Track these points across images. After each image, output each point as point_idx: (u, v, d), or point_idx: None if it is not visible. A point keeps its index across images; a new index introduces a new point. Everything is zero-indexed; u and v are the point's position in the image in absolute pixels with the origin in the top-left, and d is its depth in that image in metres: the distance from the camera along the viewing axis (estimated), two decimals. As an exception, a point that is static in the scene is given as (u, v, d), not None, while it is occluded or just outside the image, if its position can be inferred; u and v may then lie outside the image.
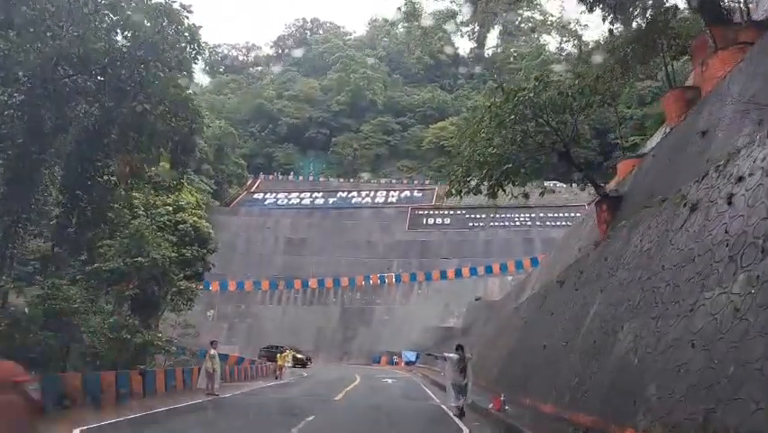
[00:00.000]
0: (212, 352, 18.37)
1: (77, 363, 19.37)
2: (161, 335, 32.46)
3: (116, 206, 17.06)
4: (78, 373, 14.66)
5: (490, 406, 12.39)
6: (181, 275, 28.68)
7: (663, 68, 20.67)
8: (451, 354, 13.74)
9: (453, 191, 19.72)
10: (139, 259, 22.74)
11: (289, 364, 38.05)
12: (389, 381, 27.78)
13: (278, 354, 32.72)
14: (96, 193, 15.18)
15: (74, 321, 19.42)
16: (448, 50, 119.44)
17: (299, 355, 46.14)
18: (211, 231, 32.10)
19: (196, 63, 16.07)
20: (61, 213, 15.82)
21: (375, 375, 34.07)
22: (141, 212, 28.83)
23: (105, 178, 15.46)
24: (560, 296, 13.81)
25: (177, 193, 32.77)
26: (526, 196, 18.17)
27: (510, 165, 17.03)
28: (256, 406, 15.87)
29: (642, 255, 8.79)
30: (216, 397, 17.16)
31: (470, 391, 13.47)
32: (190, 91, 15.62)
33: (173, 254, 27.46)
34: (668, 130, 19.84)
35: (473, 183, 18.56)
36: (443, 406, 14.73)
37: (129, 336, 20.92)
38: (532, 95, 15.93)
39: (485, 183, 18.93)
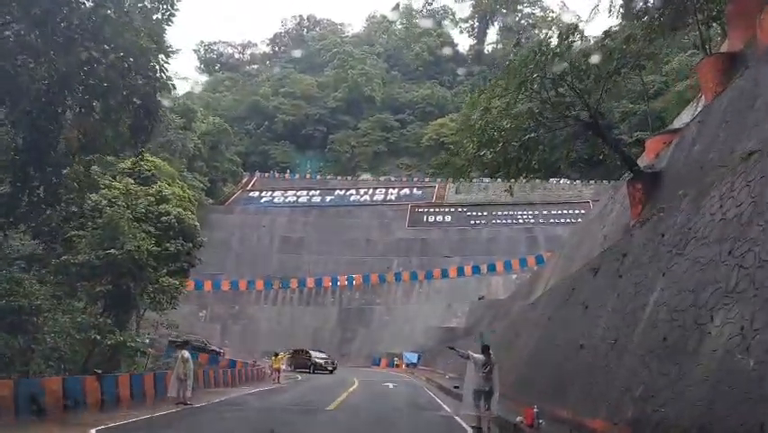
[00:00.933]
0: (184, 354, 15.96)
1: (41, 367, 17.20)
2: (147, 335, 30.39)
3: (74, 184, 14.70)
4: (10, 379, 12.26)
5: (519, 420, 10.22)
6: (164, 271, 26.42)
7: (698, 33, 18.46)
8: (476, 355, 11.56)
9: (463, 171, 17.44)
10: (112, 251, 20.50)
11: (284, 367, 35.75)
12: (391, 385, 25.42)
13: (274, 357, 30.39)
14: (49, 169, 12.89)
15: (37, 320, 17.23)
16: (447, 47, 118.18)
17: (319, 358, 40.62)
18: (197, 224, 29.78)
19: (168, 26, 13.76)
20: (10, 193, 13.54)
21: (375, 378, 31.81)
22: (120, 202, 26.70)
23: (60, 150, 13.16)
24: (595, 286, 11.59)
25: (157, 182, 30.73)
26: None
27: (532, 134, 14.85)
28: (227, 420, 13.50)
29: (729, 224, 6.55)
30: (187, 407, 14.84)
31: (496, 402, 11.28)
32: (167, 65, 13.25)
33: (155, 248, 25.18)
34: (702, 100, 17.70)
35: (487, 158, 16.32)
36: (456, 417, 12.52)
37: (99, 337, 18.70)
38: (558, 50, 13.77)
39: (499, 160, 16.70)
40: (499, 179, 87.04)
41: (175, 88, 13.95)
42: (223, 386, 22.50)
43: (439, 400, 17.44)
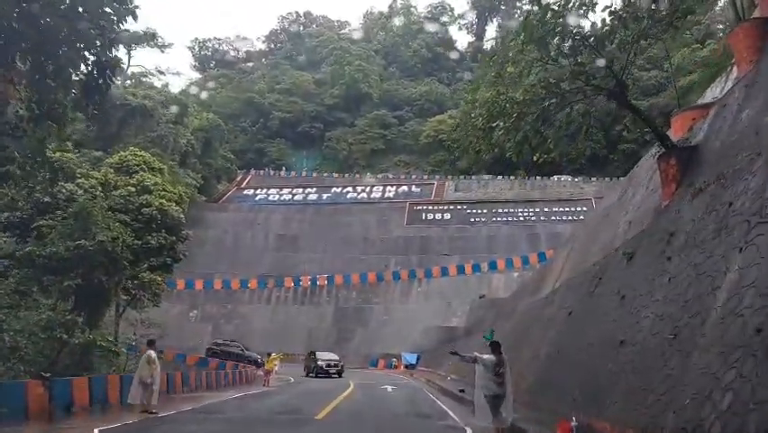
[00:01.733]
0: (150, 354, 13.78)
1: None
2: (133, 336, 28.42)
3: (28, 164, 12.77)
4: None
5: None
6: (145, 266, 24.58)
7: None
8: (484, 355, 9.74)
9: (472, 148, 15.56)
10: (82, 242, 18.64)
11: (279, 369, 33.83)
12: (389, 388, 23.50)
13: (267, 358, 28.52)
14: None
15: (-4, 317, 15.43)
16: (445, 45, 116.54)
17: (322, 360, 35.26)
18: (182, 216, 27.88)
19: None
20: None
21: (372, 381, 29.93)
22: (98, 192, 24.87)
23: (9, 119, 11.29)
24: (631, 272, 9.80)
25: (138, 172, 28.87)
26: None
27: (552, 101, 13.03)
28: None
29: None
30: (151, 417, 12.75)
31: (511, 408, 9.51)
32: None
33: (135, 241, 23.37)
34: (734, 72, 15.93)
35: (498, 134, 14.48)
36: (467, 428, 10.70)
37: (66, 336, 16.85)
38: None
39: (511, 137, 14.82)
40: (500, 177, 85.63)
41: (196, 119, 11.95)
42: (206, 390, 20.58)
43: (444, 406, 15.52)
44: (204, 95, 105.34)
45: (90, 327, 19.18)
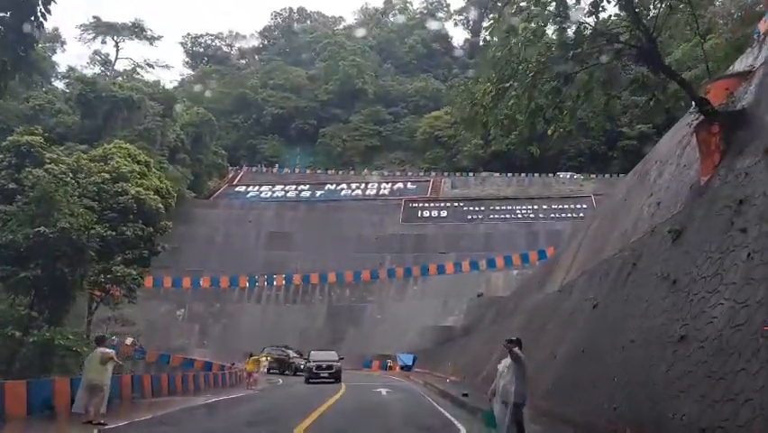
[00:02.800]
0: (97, 353, 11.44)
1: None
2: (112, 336, 26.41)
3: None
4: None
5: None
6: (119, 258, 22.63)
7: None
8: (500, 365, 8.01)
9: (478, 119, 13.63)
10: (42, 229, 16.71)
11: (263, 370, 31.96)
12: (384, 391, 21.54)
13: (249, 359, 26.57)
14: None
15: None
16: (441, 40, 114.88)
17: (314, 361, 29.57)
18: (160, 206, 25.92)
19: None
20: None
21: (365, 383, 28.01)
22: (69, 178, 22.93)
23: None
24: (681, 253, 7.97)
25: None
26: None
27: (572, 60, 11.20)
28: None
29: None
30: (100, 427, 10.72)
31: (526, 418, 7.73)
32: None
33: (109, 232, 21.44)
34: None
35: (509, 102, 12.62)
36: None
37: (19, 334, 14.91)
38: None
39: (523, 106, 12.94)
40: (497, 174, 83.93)
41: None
42: (181, 394, 18.52)
43: (447, 413, 13.56)
44: (195, 89, 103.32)
45: (52, 324, 17.24)
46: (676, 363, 6.37)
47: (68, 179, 22.63)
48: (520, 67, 12.32)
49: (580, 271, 15.94)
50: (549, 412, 10.13)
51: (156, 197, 25.79)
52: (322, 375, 28.20)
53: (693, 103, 12.08)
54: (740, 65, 18.41)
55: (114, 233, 22.17)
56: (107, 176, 24.09)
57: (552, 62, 12.32)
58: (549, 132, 14.12)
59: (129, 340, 34.34)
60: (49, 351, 15.97)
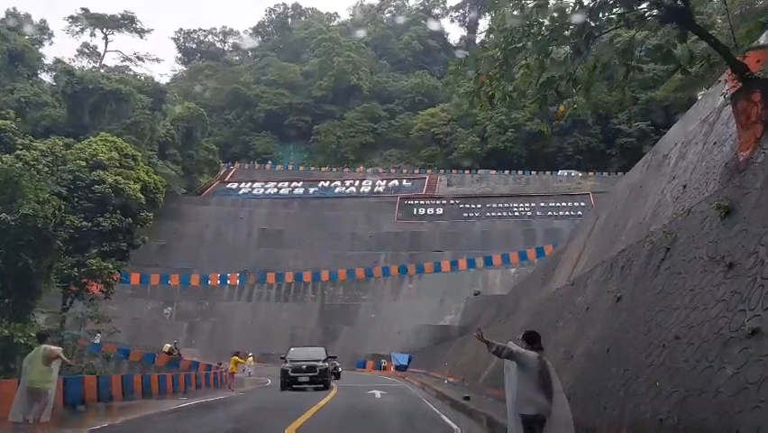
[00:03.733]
0: (43, 350, 9.68)
1: None
2: (97, 334, 24.92)
3: None
4: None
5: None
6: (94, 251, 21.14)
7: None
8: (523, 350, 6.52)
9: (483, 93, 12.18)
10: (2, 216, 15.24)
11: (251, 371, 30.48)
12: (378, 394, 20.07)
13: (233, 358, 25.08)
14: None
15: None
16: (437, 37, 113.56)
17: (293, 362, 23.34)
18: (141, 196, 24.41)
19: None
20: None
21: (358, 384, 26.59)
22: (41, 165, 21.43)
23: None
24: (738, 230, 6.61)
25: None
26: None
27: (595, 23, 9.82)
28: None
29: None
30: None
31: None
32: None
33: (84, 223, 19.94)
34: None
35: (517, 75, 11.24)
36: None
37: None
38: None
39: (533, 77, 11.50)
40: (494, 171, 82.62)
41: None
42: (156, 396, 16.96)
43: (449, 421, 12.06)
44: (187, 85, 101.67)
45: (15, 320, 15.76)
46: (749, 363, 5.02)
47: (41, 166, 21.10)
48: (533, 29, 10.89)
49: (592, 265, 14.59)
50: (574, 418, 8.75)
51: (136, 186, 24.27)
52: (301, 380, 22.36)
53: (729, 71, 10.74)
54: (766, 39, 16.98)
55: (89, 224, 20.66)
56: (83, 163, 22.60)
57: (563, 34, 10.90)
58: (560, 109, 12.68)
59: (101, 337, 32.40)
60: (14, 349, 14.48)
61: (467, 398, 15.03)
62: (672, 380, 6.19)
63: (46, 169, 21.19)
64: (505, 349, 6.43)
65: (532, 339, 6.85)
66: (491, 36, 12.00)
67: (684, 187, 12.10)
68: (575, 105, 12.33)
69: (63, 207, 17.62)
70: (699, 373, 5.74)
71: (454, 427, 11.04)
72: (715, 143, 11.76)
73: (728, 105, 10.98)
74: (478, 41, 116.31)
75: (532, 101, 11.72)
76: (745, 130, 10.06)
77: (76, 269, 20.31)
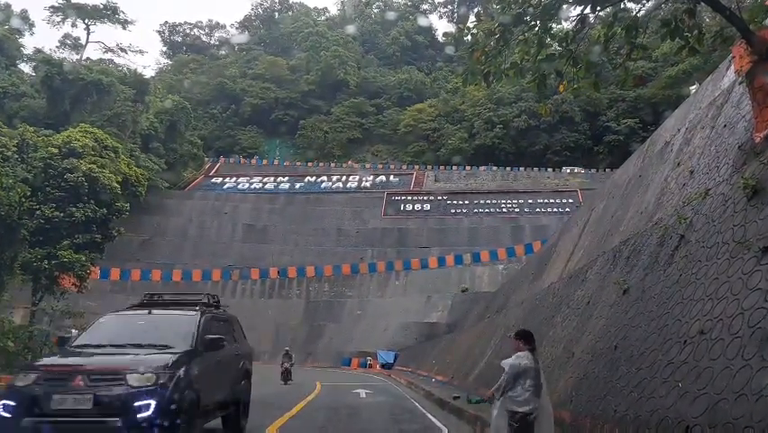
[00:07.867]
0: None
1: None
2: (49, 325, 23.68)
3: None
4: None
5: None
6: (66, 242, 20.08)
7: None
8: (520, 361, 6.06)
9: (479, 69, 11.31)
10: (-39, 202, 14.23)
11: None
12: (363, 393, 19.24)
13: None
14: None
15: None
16: (425, 32, 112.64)
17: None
18: (116, 185, 23.33)
19: None
20: None
21: (343, 383, 25.74)
22: (10, 152, 20.32)
23: None
24: None
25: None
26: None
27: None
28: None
29: None
30: None
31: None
32: None
33: (56, 213, 18.89)
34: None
35: (515, 50, 10.42)
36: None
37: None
38: None
39: (532, 55, 10.67)
40: (482, 167, 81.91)
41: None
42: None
43: (439, 424, 11.33)
44: (172, 78, 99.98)
45: (-23, 314, 14.76)
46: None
47: (10, 153, 19.99)
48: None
49: (589, 257, 13.86)
50: (571, 425, 7.98)
51: (111, 175, 23.17)
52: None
53: (741, 48, 10.00)
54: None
55: (61, 214, 19.60)
56: (55, 151, 21.49)
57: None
58: (560, 87, 11.83)
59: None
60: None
61: (456, 397, 14.24)
62: (699, 381, 5.41)
63: (15, 156, 20.07)
64: (506, 381, 6.06)
65: (528, 338, 6.52)
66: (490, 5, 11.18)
67: (692, 172, 11.38)
68: (577, 86, 11.46)
69: (31, 194, 16.60)
70: (733, 374, 4.96)
71: (443, 429, 10.21)
72: (725, 126, 11.05)
73: (740, 84, 10.27)
74: (467, 38, 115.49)
75: (529, 81, 10.89)
76: (762, 109, 9.33)
77: (46, 261, 19.26)
